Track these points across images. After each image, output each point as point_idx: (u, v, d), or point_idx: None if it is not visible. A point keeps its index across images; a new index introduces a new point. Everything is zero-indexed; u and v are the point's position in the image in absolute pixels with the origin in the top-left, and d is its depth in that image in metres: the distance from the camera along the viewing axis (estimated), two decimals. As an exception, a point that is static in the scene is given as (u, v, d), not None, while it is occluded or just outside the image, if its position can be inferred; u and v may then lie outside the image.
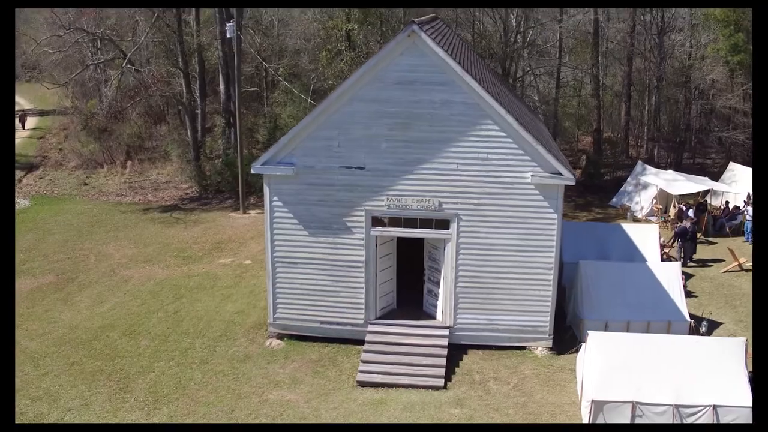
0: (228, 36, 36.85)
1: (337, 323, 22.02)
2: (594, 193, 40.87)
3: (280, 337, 22.42)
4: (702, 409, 16.50)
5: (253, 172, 21.35)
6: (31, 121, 59.39)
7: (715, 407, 16.45)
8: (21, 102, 64.91)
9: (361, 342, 21.41)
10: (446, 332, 21.49)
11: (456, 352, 21.34)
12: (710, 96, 43.17)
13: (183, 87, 43.40)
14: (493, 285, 21.21)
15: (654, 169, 38.27)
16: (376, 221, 21.29)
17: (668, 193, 34.78)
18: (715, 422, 16.37)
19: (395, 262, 22.52)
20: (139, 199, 41.54)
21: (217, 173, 42.42)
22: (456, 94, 20.01)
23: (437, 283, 21.90)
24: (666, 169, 39.09)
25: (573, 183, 20.58)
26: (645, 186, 37.02)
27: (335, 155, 20.82)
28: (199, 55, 42.88)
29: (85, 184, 44.18)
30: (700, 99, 43.49)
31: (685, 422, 16.52)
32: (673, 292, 22.36)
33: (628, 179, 38.98)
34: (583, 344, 19.25)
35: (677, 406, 16.55)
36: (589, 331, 18.32)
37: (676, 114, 44.64)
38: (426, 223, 21.21)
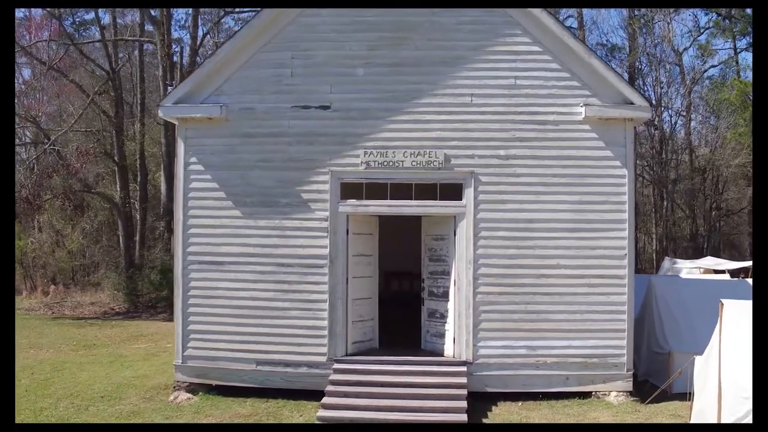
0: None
1: (284, 363, 13.74)
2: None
3: (192, 390, 14.01)
4: None
5: (160, 115, 14.15)
6: None
7: None
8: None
9: (321, 394, 13.08)
10: (463, 368, 13.33)
11: (478, 403, 13.02)
12: (731, 189, 37.43)
13: (118, 185, 36.57)
14: (534, 289, 13.44)
15: (687, 261, 31.31)
16: (348, 190, 13.84)
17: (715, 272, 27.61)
18: None
19: (377, 273, 14.73)
20: (53, 312, 33.27)
21: (154, 288, 34.55)
22: (467, -11, 13.58)
23: (443, 296, 14.03)
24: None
25: (649, 116, 13.63)
26: (679, 281, 29.80)
27: (287, 90, 13.78)
28: (141, 148, 36.53)
29: (-9, 302, 35.95)
30: (724, 192, 37.66)
31: None
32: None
33: (656, 279, 31.78)
34: (697, 357, 11.34)
35: None
36: (723, 300, 10.42)
37: (694, 214, 38.49)
38: (426, 191, 13.79)
